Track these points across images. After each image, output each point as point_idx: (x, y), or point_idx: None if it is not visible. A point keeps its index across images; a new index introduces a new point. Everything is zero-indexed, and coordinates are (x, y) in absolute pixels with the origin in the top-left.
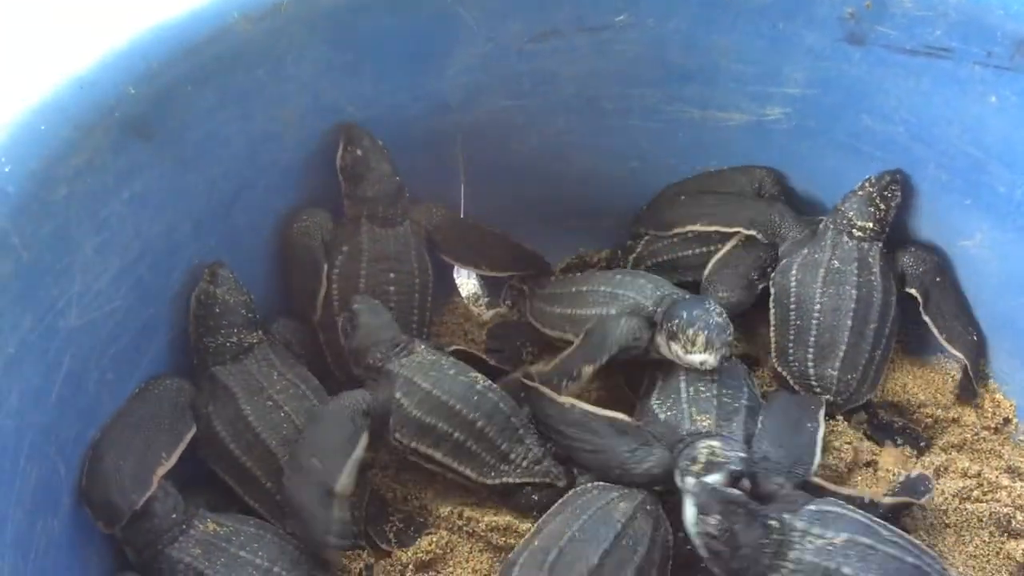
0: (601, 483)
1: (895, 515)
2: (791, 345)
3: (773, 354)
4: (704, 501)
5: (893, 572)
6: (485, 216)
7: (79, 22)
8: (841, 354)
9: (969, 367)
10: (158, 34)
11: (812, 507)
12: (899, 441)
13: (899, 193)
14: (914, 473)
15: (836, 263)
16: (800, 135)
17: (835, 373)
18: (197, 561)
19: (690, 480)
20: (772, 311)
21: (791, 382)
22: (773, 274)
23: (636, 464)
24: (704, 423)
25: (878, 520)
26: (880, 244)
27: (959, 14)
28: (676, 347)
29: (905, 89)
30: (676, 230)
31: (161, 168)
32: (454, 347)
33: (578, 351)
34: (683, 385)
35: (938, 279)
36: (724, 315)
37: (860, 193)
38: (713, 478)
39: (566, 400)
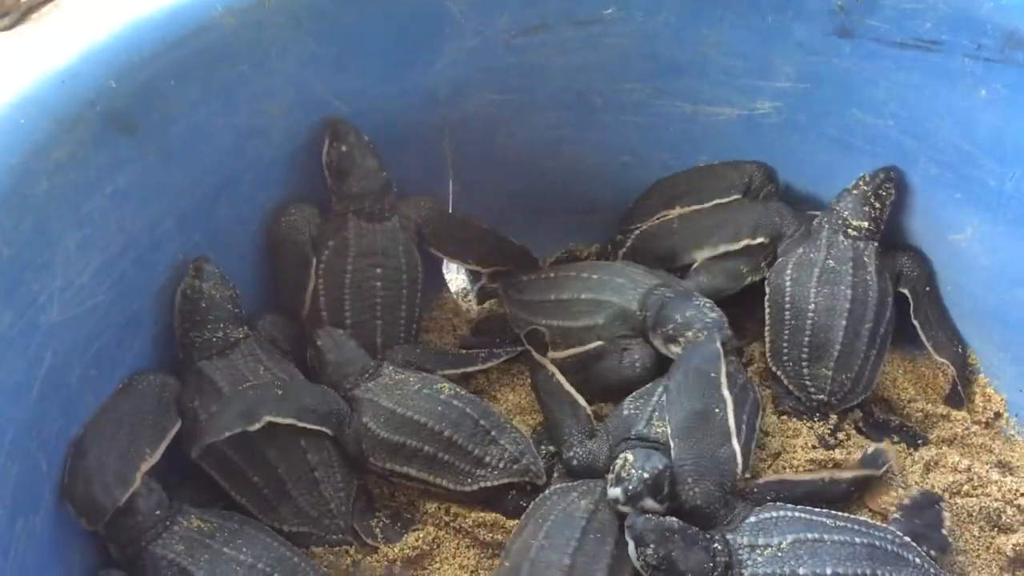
0: (559, 486)
1: (859, 490)
2: (785, 345)
3: (767, 353)
4: (638, 533)
5: (847, 557)
6: (473, 211)
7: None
8: (836, 354)
9: (956, 376)
10: (140, 27)
11: (752, 519)
12: (895, 439)
13: (893, 191)
14: (871, 449)
15: (831, 262)
16: (790, 129)
17: (829, 373)
18: (181, 558)
19: (611, 491)
20: (767, 310)
21: (785, 381)
22: (768, 272)
23: (567, 450)
24: (659, 429)
25: (821, 511)
26: (875, 243)
27: (949, 7)
28: (676, 349)
29: (895, 82)
30: (684, 261)
31: (144, 162)
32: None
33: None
34: (661, 388)
35: (928, 288)
36: (715, 307)
37: (855, 192)
38: (614, 492)
39: (549, 368)
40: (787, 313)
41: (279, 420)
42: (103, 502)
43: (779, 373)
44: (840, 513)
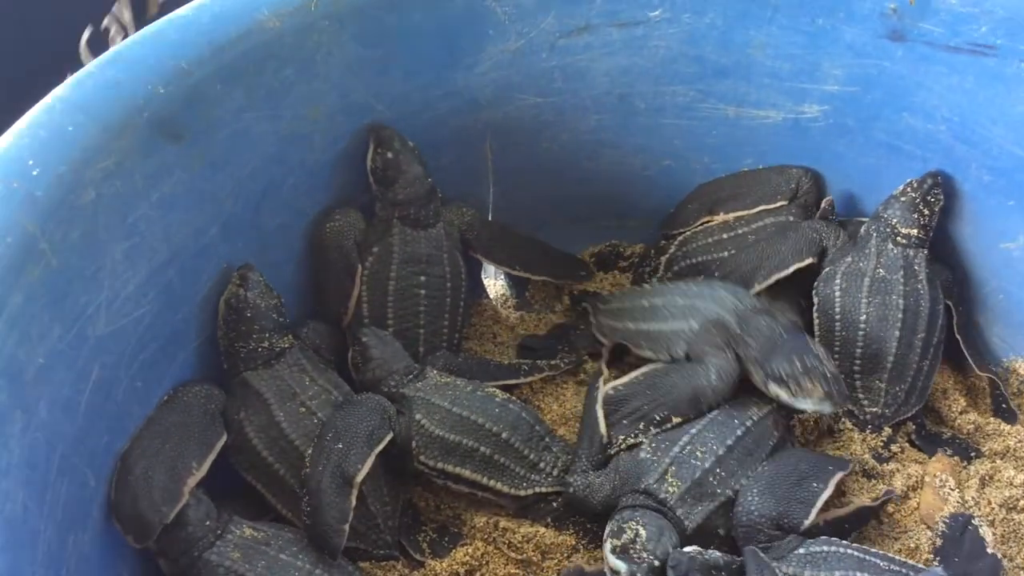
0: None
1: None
2: (837, 356)
3: None
4: (683, 571)
5: None
6: (513, 214)
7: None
8: (889, 365)
9: (1002, 391)
10: (186, 31)
11: (801, 550)
12: (948, 451)
13: (942, 197)
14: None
15: (881, 271)
16: (838, 133)
17: (883, 385)
18: (237, 565)
19: (612, 558)
20: (816, 321)
21: None
22: (816, 283)
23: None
24: (671, 489)
25: (876, 552)
26: (925, 251)
27: (1005, 11)
28: (781, 391)
29: (948, 87)
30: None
31: (190, 169)
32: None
33: (662, 398)
34: (688, 436)
35: (967, 302)
36: (831, 359)
37: (903, 199)
38: (615, 562)
39: (600, 385)
40: (838, 324)
41: (365, 469)
42: (151, 520)
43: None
44: (895, 556)
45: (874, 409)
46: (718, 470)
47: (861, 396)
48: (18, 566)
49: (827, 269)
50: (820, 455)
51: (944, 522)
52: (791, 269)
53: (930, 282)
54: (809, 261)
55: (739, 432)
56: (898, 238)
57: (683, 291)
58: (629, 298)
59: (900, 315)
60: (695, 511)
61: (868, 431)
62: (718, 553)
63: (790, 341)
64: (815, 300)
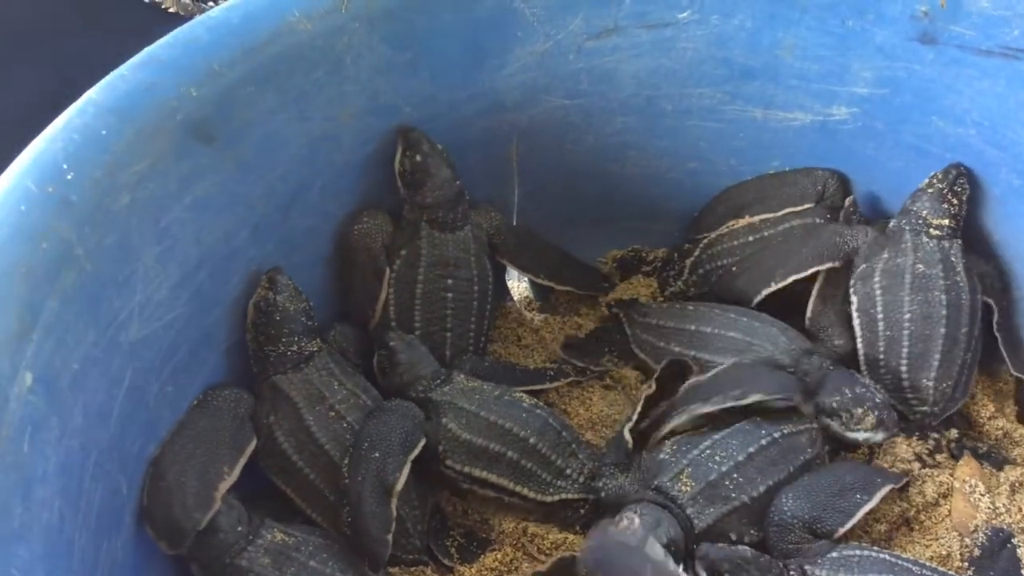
0: None
1: None
2: (882, 356)
3: (863, 366)
4: (711, 562)
5: None
6: (538, 216)
7: None
8: (936, 363)
9: None
10: (218, 32)
11: (834, 554)
12: (980, 457)
13: (967, 186)
14: None
15: (920, 267)
16: (866, 136)
17: (931, 383)
18: (267, 571)
19: None
20: (857, 321)
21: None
22: (852, 281)
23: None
24: (684, 488)
25: (908, 558)
26: (959, 240)
27: None
28: (832, 423)
29: (979, 90)
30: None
31: (221, 172)
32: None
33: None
34: (710, 440)
35: (1004, 302)
36: (876, 387)
37: (930, 191)
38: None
39: (634, 417)
40: (881, 324)
41: (403, 478)
42: (184, 526)
43: (877, 387)
44: (927, 563)
45: (923, 408)
46: (735, 475)
47: (909, 396)
48: (55, 575)
49: (862, 267)
50: (872, 468)
51: (985, 534)
52: (809, 271)
53: (967, 272)
54: (830, 265)
55: (763, 442)
56: (931, 230)
57: (733, 322)
58: (671, 317)
59: (944, 311)
60: (707, 512)
61: (914, 435)
62: (747, 548)
63: (836, 375)
64: (853, 300)
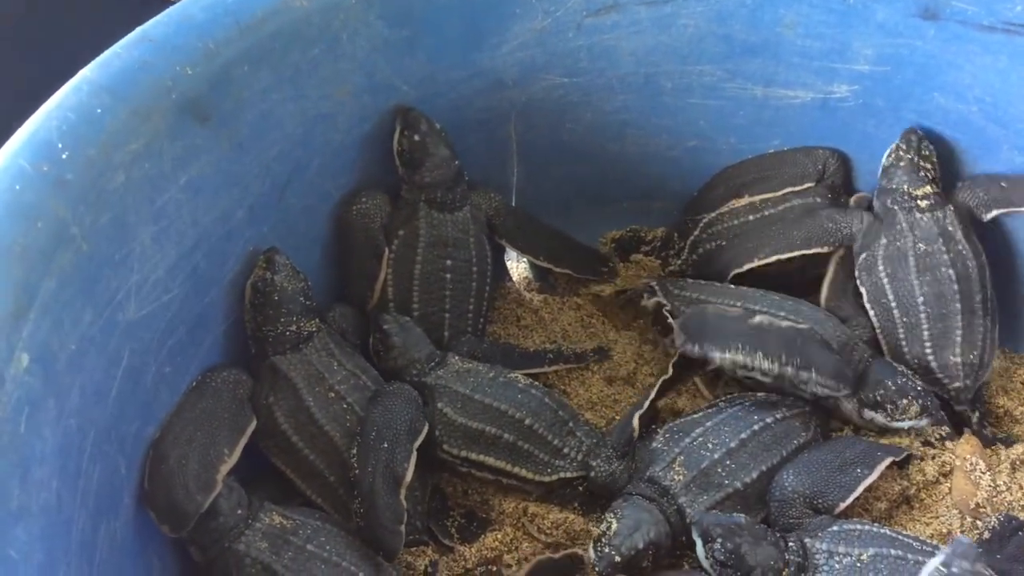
0: None
1: None
2: (904, 343)
3: (887, 355)
4: (704, 529)
5: None
6: (537, 195)
7: None
8: (959, 339)
9: None
10: (214, 11)
11: (835, 527)
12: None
13: (931, 145)
14: None
15: (921, 246)
16: (867, 114)
17: (958, 359)
18: (264, 555)
19: (590, 548)
20: (872, 312)
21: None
22: (857, 273)
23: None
24: (676, 477)
25: (908, 534)
26: (950, 207)
27: None
28: (877, 415)
29: (980, 67)
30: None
31: (217, 152)
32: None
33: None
34: (702, 428)
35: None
36: (915, 376)
37: (902, 164)
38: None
39: (645, 403)
40: (896, 312)
41: (412, 467)
42: (186, 509)
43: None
44: (927, 540)
45: (956, 384)
46: (728, 462)
47: (940, 376)
48: (53, 555)
49: (863, 256)
50: (873, 443)
51: (998, 519)
52: (795, 253)
53: (967, 238)
54: (818, 250)
55: (756, 427)
56: (919, 203)
57: (780, 304)
58: (714, 294)
59: (956, 286)
60: (699, 500)
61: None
62: (742, 515)
63: (878, 367)
64: (863, 292)
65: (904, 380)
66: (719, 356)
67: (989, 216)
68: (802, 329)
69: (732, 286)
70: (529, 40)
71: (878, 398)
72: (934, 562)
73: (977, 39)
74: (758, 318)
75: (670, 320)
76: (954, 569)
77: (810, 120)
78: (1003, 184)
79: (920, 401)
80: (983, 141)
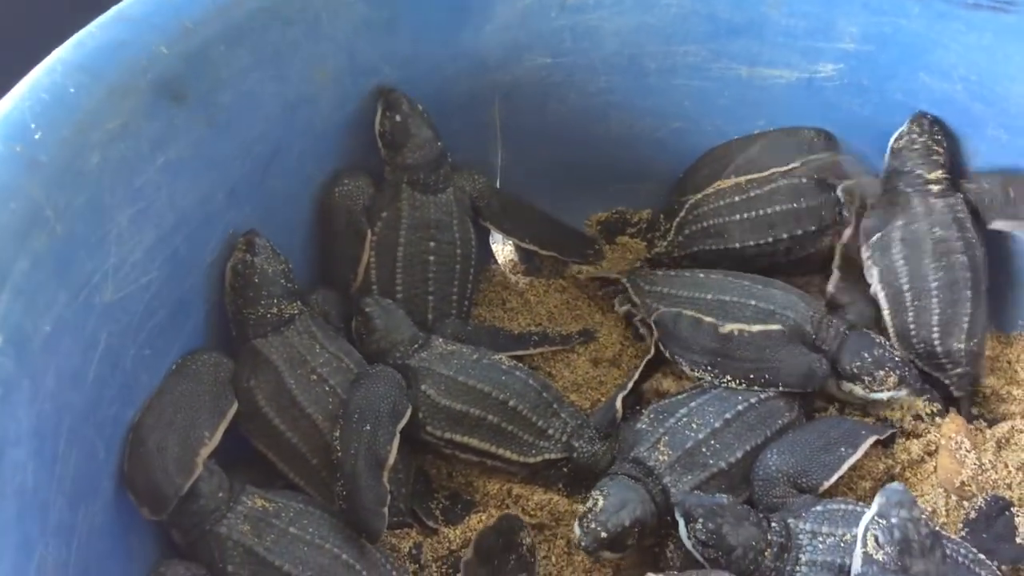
0: None
1: None
2: (912, 327)
3: (893, 339)
4: (686, 509)
5: None
6: (522, 178)
7: None
8: (966, 326)
9: None
10: None
11: (819, 508)
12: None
13: (942, 129)
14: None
15: (938, 230)
16: (852, 93)
17: (962, 346)
18: (246, 538)
19: (576, 526)
20: (882, 293)
21: (920, 364)
22: (867, 252)
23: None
24: (660, 458)
25: None
26: (960, 194)
27: None
28: (856, 387)
29: (965, 45)
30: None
31: (195, 133)
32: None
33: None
34: (686, 408)
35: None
36: (893, 346)
37: (915, 147)
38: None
39: (629, 384)
40: (908, 296)
41: (395, 449)
42: (166, 492)
43: (911, 357)
44: None
45: (958, 370)
46: (712, 442)
47: (944, 361)
48: (29, 537)
49: (877, 236)
50: (857, 422)
51: (985, 500)
52: (788, 167)
53: (975, 225)
54: (814, 176)
55: (740, 407)
56: (932, 187)
57: (749, 290)
58: (684, 286)
59: (968, 274)
60: (684, 479)
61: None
62: (725, 496)
63: (854, 339)
64: (873, 272)
65: (881, 352)
66: (689, 371)
67: (993, 225)
68: (772, 332)
69: (702, 274)
70: (513, 20)
71: (855, 370)
72: (868, 515)
73: (962, 17)
74: (728, 327)
75: (642, 330)
76: (893, 520)
77: (796, 100)
78: (1010, 192)
79: (898, 372)
80: (969, 119)
